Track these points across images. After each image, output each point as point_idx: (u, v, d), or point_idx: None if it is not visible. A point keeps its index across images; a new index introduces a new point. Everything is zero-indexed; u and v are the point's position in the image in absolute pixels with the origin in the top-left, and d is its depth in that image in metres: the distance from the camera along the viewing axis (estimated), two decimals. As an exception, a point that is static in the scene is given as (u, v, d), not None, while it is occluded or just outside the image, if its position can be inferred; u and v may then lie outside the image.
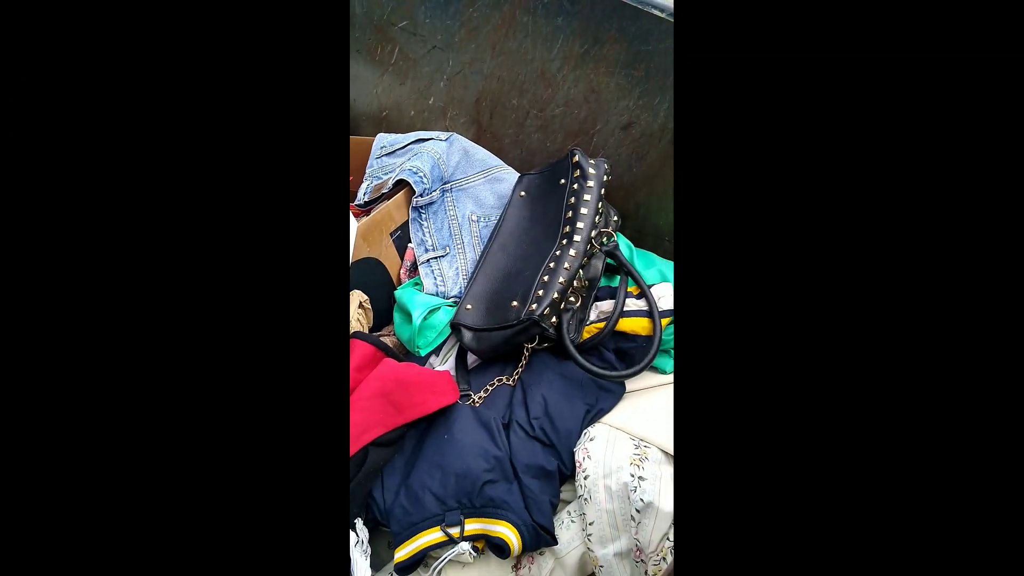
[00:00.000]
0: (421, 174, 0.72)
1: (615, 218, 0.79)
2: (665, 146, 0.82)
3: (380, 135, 0.80)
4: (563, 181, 0.72)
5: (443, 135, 0.78)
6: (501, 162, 0.83)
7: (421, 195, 0.73)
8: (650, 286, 0.71)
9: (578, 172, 0.70)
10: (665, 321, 0.69)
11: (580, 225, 0.67)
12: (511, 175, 0.81)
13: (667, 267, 0.78)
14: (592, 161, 0.72)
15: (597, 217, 0.70)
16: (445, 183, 0.76)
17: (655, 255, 0.83)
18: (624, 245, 0.80)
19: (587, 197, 0.68)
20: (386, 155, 0.75)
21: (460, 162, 0.77)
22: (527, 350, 0.67)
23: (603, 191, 0.72)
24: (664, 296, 0.69)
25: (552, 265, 0.65)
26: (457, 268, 0.72)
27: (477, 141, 1.01)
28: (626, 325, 0.67)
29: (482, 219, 0.77)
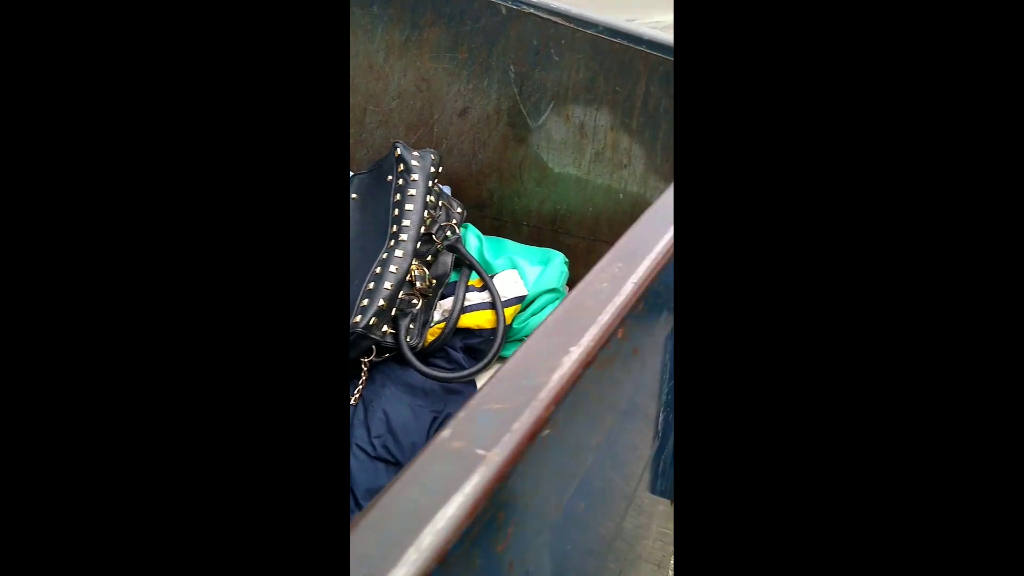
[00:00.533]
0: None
1: (459, 210, 0.75)
2: (503, 128, 0.78)
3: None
4: (390, 178, 0.67)
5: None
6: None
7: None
8: (493, 276, 0.67)
9: (402, 166, 0.65)
10: (510, 310, 0.66)
11: (407, 223, 0.63)
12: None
13: (521, 252, 0.75)
14: (416, 153, 0.67)
15: (428, 212, 0.66)
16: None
17: (508, 241, 0.80)
18: (472, 235, 0.76)
19: (412, 192, 0.64)
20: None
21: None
22: (364, 365, 0.63)
23: (433, 183, 0.69)
24: (508, 283, 0.66)
25: (378, 270, 0.61)
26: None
27: None
28: (469, 320, 0.64)
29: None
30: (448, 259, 0.70)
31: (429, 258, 0.70)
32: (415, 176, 0.65)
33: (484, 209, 0.85)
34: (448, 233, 0.71)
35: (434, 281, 0.69)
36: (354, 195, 0.72)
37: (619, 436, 0.38)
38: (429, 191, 0.67)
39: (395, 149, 0.68)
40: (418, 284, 0.65)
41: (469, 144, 0.82)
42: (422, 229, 0.64)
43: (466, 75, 0.77)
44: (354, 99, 0.84)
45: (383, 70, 0.81)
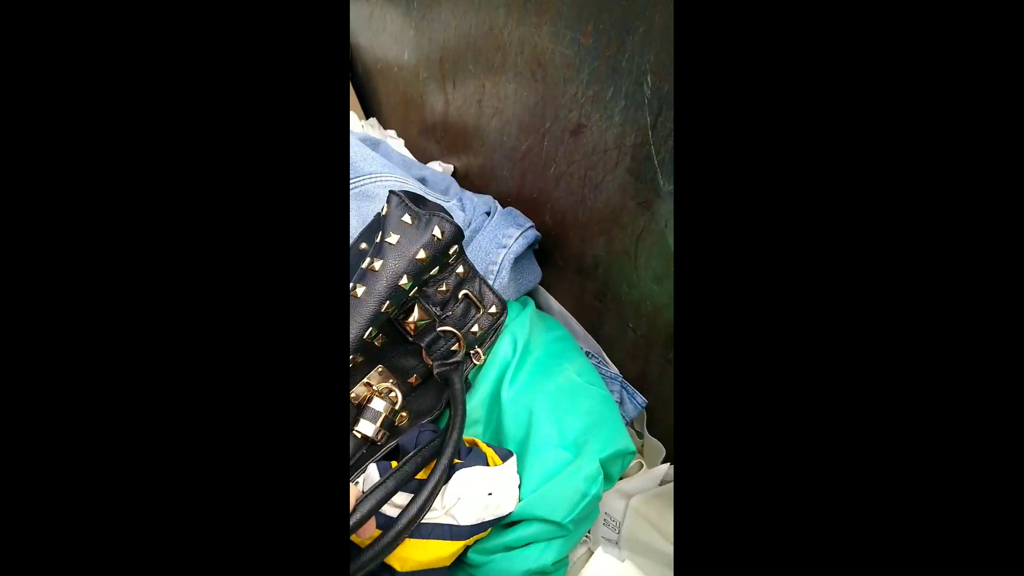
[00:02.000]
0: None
1: (492, 309, 0.48)
2: (623, 175, 0.46)
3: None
4: (364, 246, 0.45)
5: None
6: (387, 165, 0.57)
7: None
8: (469, 460, 0.41)
9: (380, 234, 0.42)
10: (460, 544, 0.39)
11: (360, 310, 0.41)
12: (396, 187, 0.55)
13: (573, 398, 0.45)
14: (416, 210, 0.43)
15: (396, 303, 0.43)
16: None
17: (576, 355, 0.50)
18: (521, 325, 0.49)
19: (377, 267, 0.41)
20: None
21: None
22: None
23: (445, 260, 0.44)
24: (498, 490, 0.38)
25: None
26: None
27: (442, 125, 0.74)
28: (413, 553, 0.37)
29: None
30: (456, 384, 0.44)
31: (412, 379, 0.47)
32: (391, 241, 0.41)
33: (584, 279, 0.55)
34: (452, 347, 0.46)
35: (403, 418, 0.45)
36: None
37: None
38: (420, 273, 0.42)
39: (389, 200, 0.43)
40: (367, 427, 0.43)
41: (579, 180, 0.51)
42: (370, 329, 0.40)
43: (587, 72, 0.45)
44: (475, 69, 0.60)
45: (501, 36, 0.54)
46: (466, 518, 0.36)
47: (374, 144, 0.62)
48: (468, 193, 0.62)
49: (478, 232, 0.55)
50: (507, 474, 0.38)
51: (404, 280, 0.40)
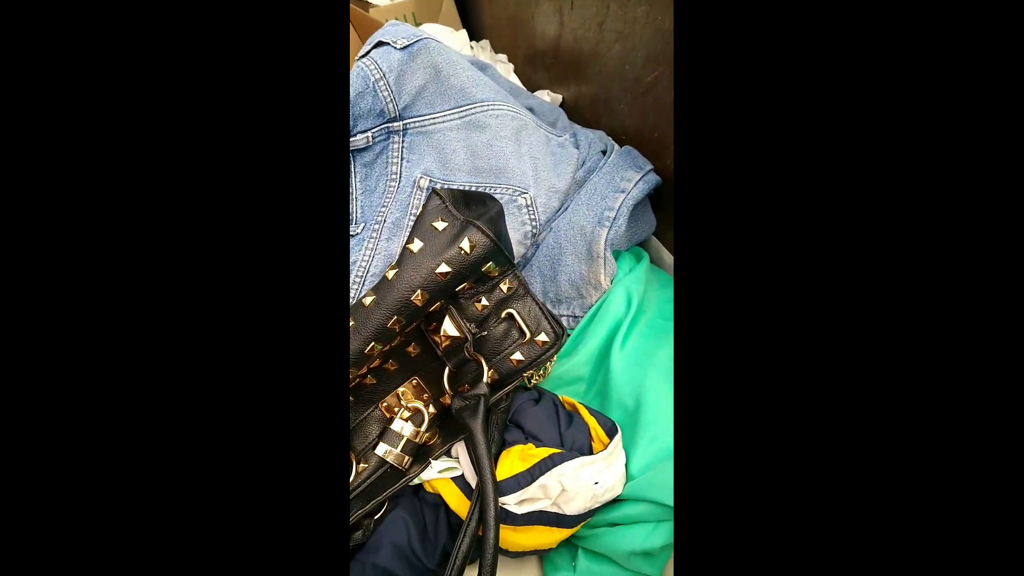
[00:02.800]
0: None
1: (543, 338, 0.39)
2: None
3: (389, 24, 0.56)
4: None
5: (407, 36, 0.51)
6: (500, 92, 0.52)
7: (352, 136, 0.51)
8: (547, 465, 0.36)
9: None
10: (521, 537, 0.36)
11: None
12: (509, 118, 0.51)
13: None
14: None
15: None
16: (391, 120, 0.51)
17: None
18: (626, 291, 0.44)
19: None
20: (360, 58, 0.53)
21: (425, 88, 0.51)
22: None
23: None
24: (604, 477, 0.35)
25: None
26: (360, 261, 0.49)
27: (552, 51, 0.67)
28: (519, 537, 0.35)
29: (439, 184, 0.51)
30: (477, 434, 0.35)
31: (446, 398, 0.40)
32: (412, 247, 0.37)
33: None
34: (480, 377, 0.38)
35: (433, 438, 0.40)
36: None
37: None
38: (441, 291, 0.36)
39: (428, 199, 0.38)
40: (387, 451, 0.38)
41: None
42: (374, 343, 0.36)
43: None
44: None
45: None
46: (573, 508, 0.34)
47: (481, 68, 0.57)
48: (582, 128, 0.56)
49: (592, 173, 0.50)
50: (613, 458, 0.35)
51: (418, 295, 0.34)
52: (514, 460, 0.35)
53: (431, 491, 0.37)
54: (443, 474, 0.36)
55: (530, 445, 0.36)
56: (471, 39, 0.83)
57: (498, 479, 0.34)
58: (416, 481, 0.36)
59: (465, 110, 0.51)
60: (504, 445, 0.37)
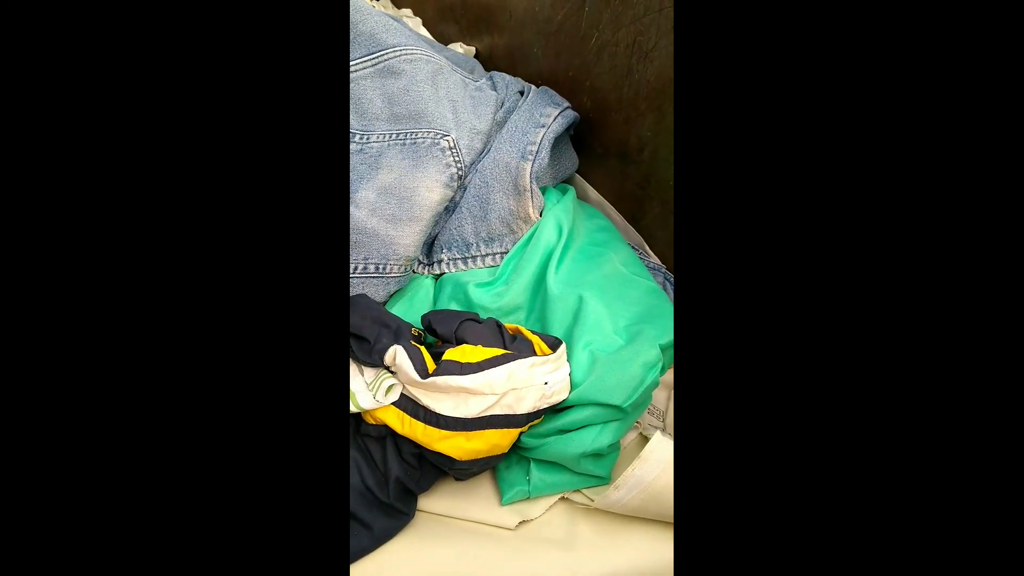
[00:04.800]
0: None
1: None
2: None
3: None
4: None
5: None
6: (412, 36, 0.52)
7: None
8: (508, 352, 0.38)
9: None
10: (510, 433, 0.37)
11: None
12: (423, 62, 0.50)
13: (623, 287, 0.42)
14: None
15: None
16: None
17: (619, 245, 0.47)
18: (559, 208, 0.46)
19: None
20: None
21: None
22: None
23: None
24: (552, 379, 0.36)
25: None
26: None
27: (461, 3, 0.67)
28: (469, 442, 0.36)
29: (360, 137, 0.50)
30: None
31: None
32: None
33: (626, 165, 0.51)
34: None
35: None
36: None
37: None
38: None
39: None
40: None
41: (625, 50, 0.46)
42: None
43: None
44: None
45: None
46: (522, 407, 0.35)
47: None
48: (499, 73, 0.56)
49: (512, 112, 0.50)
50: (560, 363, 0.37)
51: None
52: (467, 352, 0.36)
53: (373, 422, 0.37)
54: (387, 397, 0.36)
55: (479, 347, 0.36)
56: (375, -1, 0.81)
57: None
58: (355, 410, 0.36)
59: (377, 57, 0.50)
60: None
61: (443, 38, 0.73)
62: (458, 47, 0.67)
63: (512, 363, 0.35)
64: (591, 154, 0.55)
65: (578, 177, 0.56)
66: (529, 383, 0.35)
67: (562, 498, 0.39)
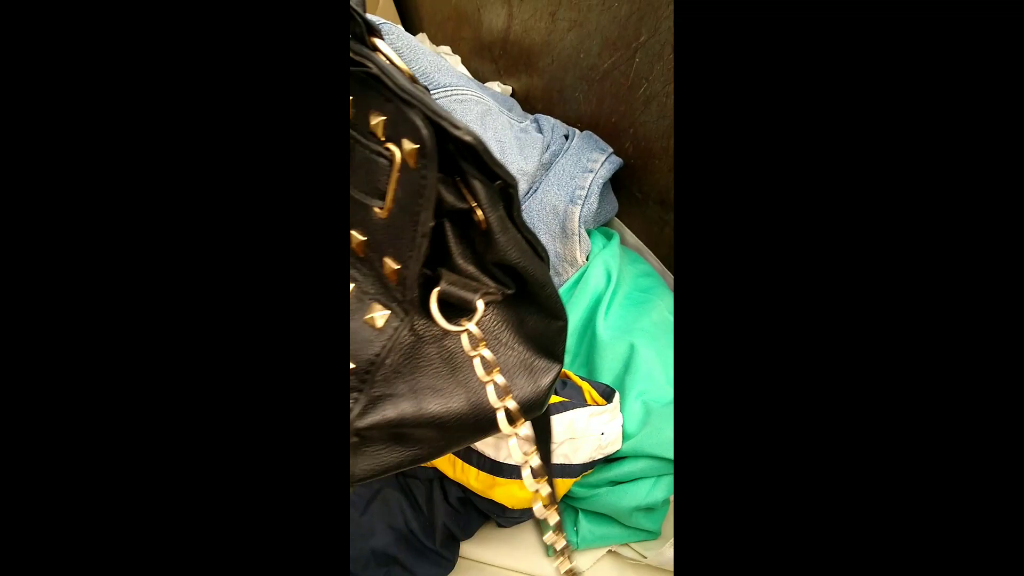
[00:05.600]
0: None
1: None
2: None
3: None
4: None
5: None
6: (462, 77, 0.52)
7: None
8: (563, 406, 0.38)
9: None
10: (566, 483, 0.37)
11: None
12: (473, 102, 0.51)
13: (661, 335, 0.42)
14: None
15: None
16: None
17: (661, 301, 0.47)
18: (604, 262, 0.46)
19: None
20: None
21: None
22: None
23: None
24: (608, 430, 0.36)
25: None
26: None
27: (501, 43, 0.68)
28: (523, 491, 0.36)
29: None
30: None
31: None
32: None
33: (666, 212, 0.52)
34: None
35: None
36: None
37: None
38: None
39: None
40: None
41: (670, 102, 0.47)
42: None
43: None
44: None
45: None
46: (578, 458, 0.34)
47: (437, 57, 0.57)
48: (544, 116, 0.57)
49: (559, 156, 0.51)
50: (615, 414, 0.37)
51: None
52: None
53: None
54: None
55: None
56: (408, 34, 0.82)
57: None
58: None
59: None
60: None
61: (478, 75, 0.74)
62: (495, 86, 0.68)
63: (571, 411, 0.34)
64: (631, 199, 0.56)
65: (616, 220, 0.57)
66: (587, 433, 0.34)
67: (609, 551, 0.38)
